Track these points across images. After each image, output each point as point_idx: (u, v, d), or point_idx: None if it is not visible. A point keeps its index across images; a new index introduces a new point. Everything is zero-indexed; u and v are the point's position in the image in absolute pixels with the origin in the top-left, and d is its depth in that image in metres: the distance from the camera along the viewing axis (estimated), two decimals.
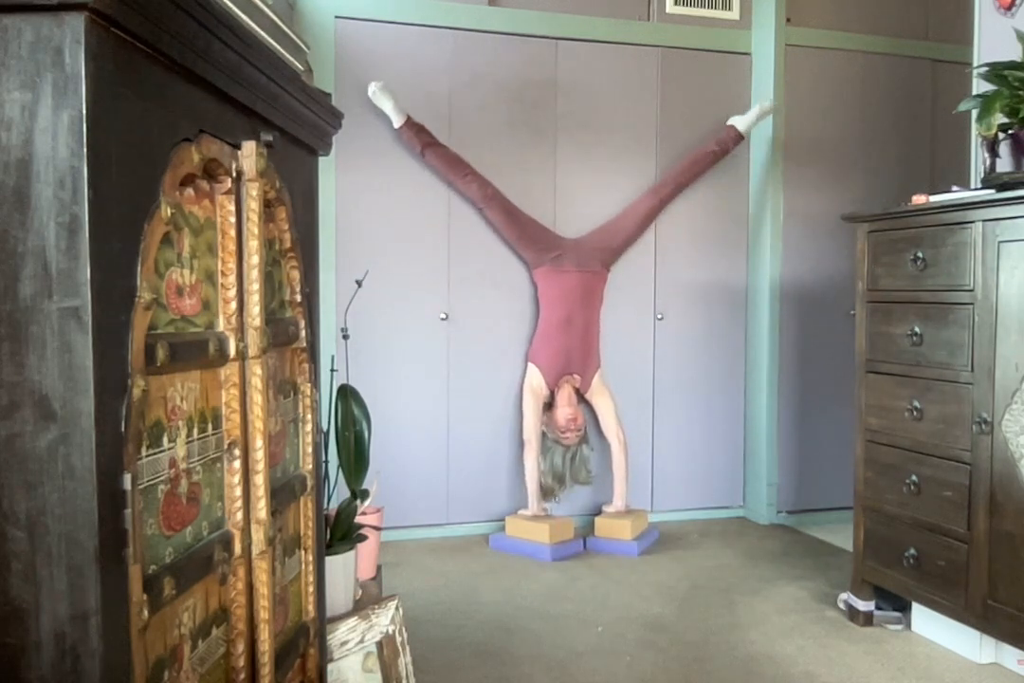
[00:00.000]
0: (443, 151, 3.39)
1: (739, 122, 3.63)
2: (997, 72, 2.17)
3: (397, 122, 3.33)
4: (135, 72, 0.83)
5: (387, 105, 3.31)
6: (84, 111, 0.74)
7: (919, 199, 2.35)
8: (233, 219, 1.09)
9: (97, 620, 0.77)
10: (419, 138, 3.35)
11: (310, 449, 1.47)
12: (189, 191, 0.99)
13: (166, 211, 0.88)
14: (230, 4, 1.11)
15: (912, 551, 2.37)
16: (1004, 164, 2.25)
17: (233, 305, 1.10)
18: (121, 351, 0.81)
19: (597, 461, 3.56)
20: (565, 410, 3.40)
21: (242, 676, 1.14)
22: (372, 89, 3.28)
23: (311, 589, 1.48)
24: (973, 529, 2.17)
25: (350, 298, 2.75)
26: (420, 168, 3.45)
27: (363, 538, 2.01)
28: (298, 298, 1.39)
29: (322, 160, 1.61)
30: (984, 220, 2.12)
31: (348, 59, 3.36)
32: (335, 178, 3.36)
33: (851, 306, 2.71)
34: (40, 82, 0.74)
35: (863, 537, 2.56)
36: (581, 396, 3.52)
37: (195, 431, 1.01)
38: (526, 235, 3.47)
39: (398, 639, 1.88)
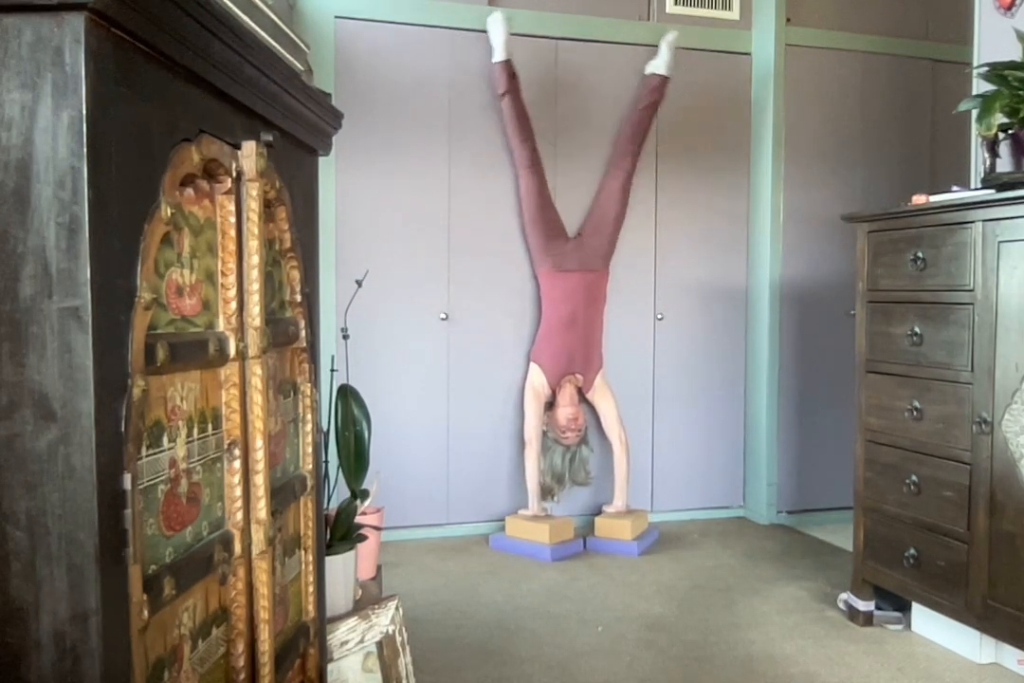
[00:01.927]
0: (519, 105, 3.39)
1: (659, 67, 3.56)
2: (997, 72, 2.17)
3: (498, 57, 3.34)
4: (135, 72, 0.83)
5: (499, 38, 3.32)
6: (84, 111, 0.74)
7: (919, 199, 2.35)
8: (233, 219, 1.09)
9: (97, 620, 0.77)
10: (508, 81, 3.36)
11: (310, 449, 1.47)
12: (189, 191, 0.99)
13: (166, 211, 0.88)
14: (230, 4, 1.11)
15: (912, 551, 2.37)
16: (1004, 164, 2.25)
17: (233, 305, 1.10)
18: (121, 351, 0.81)
19: (597, 461, 3.57)
20: (567, 410, 3.40)
21: (242, 676, 1.14)
22: (494, 17, 3.30)
23: (311, 589, 1.48)
24: (973, 529, 2.17)
25: (350, 298, 2.75)
26: (420, 168, 3.45)
27: (363, 538, 2.01)
28: (298, 298, 1.39)
29: (322, 160, 1.61)
30: (984, 220, 2.12)
31: (348, 59, 3.36)
32: (335, 178, 3.36)
33: (851, 306, 2.71)
34: (40, 82, 0.74)
35: (863, 537, 2.56)
36: (582, 396, 3.52)
37: (195, 431, 1.01)
38: (542, 217, 3.45)
39: (398, 639, 1.88)
